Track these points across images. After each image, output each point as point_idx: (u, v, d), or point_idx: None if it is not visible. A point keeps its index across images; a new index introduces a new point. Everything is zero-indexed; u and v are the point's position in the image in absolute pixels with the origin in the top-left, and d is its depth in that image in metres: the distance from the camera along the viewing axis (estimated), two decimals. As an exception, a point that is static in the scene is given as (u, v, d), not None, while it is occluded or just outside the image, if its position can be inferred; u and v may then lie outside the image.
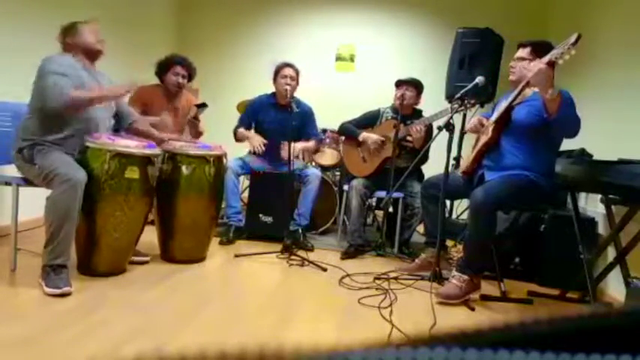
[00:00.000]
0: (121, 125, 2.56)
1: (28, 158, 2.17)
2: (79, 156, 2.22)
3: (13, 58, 2.77)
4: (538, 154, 2.37)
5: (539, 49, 2.44)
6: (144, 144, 2.31)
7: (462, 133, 2.72)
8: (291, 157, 2.98)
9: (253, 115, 3.51)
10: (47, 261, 2.03)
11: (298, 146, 3.35)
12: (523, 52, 2.48)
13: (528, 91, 2.42)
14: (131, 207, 2.24)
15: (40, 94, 2.11)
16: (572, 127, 2.17)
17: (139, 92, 3.04)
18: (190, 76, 3.17)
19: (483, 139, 2.48)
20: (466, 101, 2.68)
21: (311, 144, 3.55)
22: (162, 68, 3.11)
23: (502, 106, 2.47)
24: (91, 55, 2.34)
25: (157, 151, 2.39)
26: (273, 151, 3.39)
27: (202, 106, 3.09)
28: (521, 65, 2.44)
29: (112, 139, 2.23)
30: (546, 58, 2.17)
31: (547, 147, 2.39)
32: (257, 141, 3.33)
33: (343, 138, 3.66)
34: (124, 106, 2.60)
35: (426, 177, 3.07)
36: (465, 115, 3.54)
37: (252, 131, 3.50)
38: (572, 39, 2.03)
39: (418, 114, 3.35)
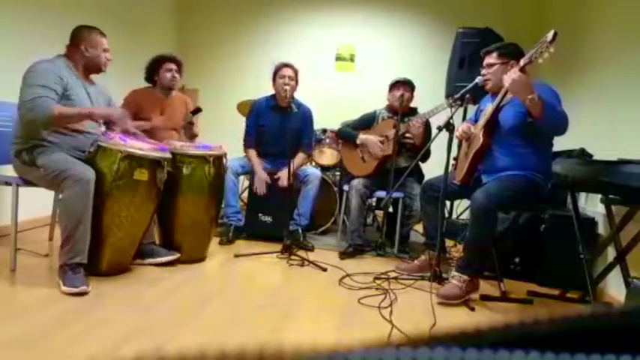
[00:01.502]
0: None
1: (29, 161, 2.16)
2: (89, 155, 2.21)
3: (13, 57, 2.77)
4: (532, 152, 2.36)
5: (506, 51, 2.46)
6: (155, 147, 2.30)
7: (459, 140, 2.72)
8: (290, 173, 2.99)
9: (256, 121, 3.48)
10: (65, 260, 2.04)
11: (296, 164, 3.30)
12: (491, 59, 2.50)
13: None
14: (137, 208, 2.24)
15: (23, 107, 2.07)
16: (559, 125, 2.17)
17: (131, 95, 3.01)
18: (180, 71, 3.11)
19: (475, 145, 2.46)
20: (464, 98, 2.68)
21: (301, 160, 3.45)
22: (152, 69, 3.05)
23: (488, 109, 2.46)
24: (91, 70, 2.33)
25: (167, 154, 2.36)
26: (274, 152, 3.39)
27: (197, 111, 3.09)
28: (493, 71, 2.47)
29: (124, 139, 2.21)
30: (522, 62, 2.16)
31: (540, 145, 2.38)
32: (260, 181, 3.29)
33: (342, 141, 3.65)
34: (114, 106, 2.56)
35: (426, 178, 3.06)
36: (465, 110, 3.56)
37: (259, 164, 3.37)
38: (549, 37, 2.03)
39: (414, 112, 3.37)
